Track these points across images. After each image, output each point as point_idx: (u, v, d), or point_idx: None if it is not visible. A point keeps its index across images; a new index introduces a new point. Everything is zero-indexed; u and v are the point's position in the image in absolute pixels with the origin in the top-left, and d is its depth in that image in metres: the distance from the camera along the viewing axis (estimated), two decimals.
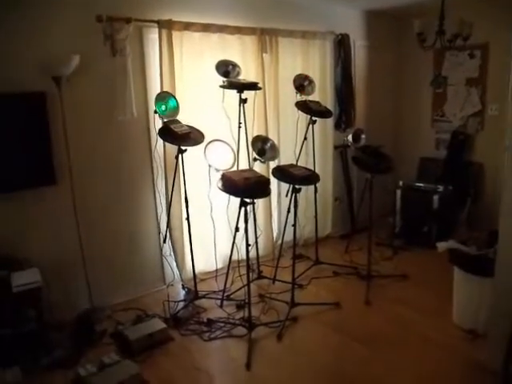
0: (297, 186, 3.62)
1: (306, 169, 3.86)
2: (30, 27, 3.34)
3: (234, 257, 4.29)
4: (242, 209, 3.32)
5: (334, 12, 5.33)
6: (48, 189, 3.52)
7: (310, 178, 3.75)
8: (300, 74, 4.58)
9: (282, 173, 3.69)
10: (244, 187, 3.19)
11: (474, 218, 5.32)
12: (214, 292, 4.16)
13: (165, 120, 3.71)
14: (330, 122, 5.31)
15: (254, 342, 3.38)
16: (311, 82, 4.56)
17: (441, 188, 5.30)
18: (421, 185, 5.54)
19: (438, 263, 4.00)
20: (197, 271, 4.14)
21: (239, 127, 4.17)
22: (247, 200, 3.30)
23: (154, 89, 3.95)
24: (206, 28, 4.16)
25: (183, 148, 3.72)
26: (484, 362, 3.01)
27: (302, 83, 4.51)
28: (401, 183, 5.65)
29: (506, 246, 2.87)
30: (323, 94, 5.21)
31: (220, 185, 3.32)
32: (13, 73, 3.28)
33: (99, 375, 2.88)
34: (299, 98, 4.49)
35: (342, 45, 5.34)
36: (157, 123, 3.84)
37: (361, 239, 5.01)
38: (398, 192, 5.59)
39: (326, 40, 5.22)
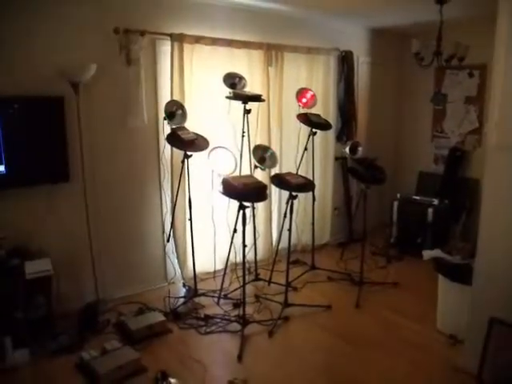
0: (293, 193, 3.85)
1: (302, 177, 4.09)
2: (53, 37, 3.62)
3: (233, 259, 4.55)
4: (241, 212, 3.56)
5: (339, 29, 5.59)
6: (62, 186, 3.76)
7: (306, 186, 3.99)
8: (302, 88, 4.82)
9: (279, 180, 3.93)
10: (242, 191, 3.43)
11: (469, 231, 5.48)
12: (213, 291, 4.39)
13: (173, 127, 3.97)
14: (331, 134, 5.55)
15: (246, 337, 3.61)
16: (313, 95, 4.79)
17: (436, 201, 5.52)
18: (417, 198, 5.76)
19: (429, 273, 4.17)
20: (197, 271, 4.36)
21: (243, 136, 4.41)
22: (245, 203, 3.54)
23: (165, 97, 4.21)
24: (216, 42, 4.42)
25: (189, 153, 3.97)
26: (462, 366, 3.20)
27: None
28: (398, 195, 5.86)
29: (483, 257, 3.08)
30: (326, 107, 5.46)
31: (221, 188, 3.57)
32: (35, 78, 3.55)
33: (101, 359, 3.11)
34: (302, 110, 4.74)
35: (345, 61, 5.58)
36: (165, 129, 4.10)
37: (357, 248, 5.17)
38: (395, 204, 5.80)
39: (330, 56, 5.48)
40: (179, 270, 4.55)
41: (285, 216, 4.33)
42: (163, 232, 4.49)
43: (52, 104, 3.63)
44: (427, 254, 3.75)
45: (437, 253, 3.70)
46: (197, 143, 3.95)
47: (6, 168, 3.47)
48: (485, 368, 2.96)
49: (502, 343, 2.82)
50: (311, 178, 4.62)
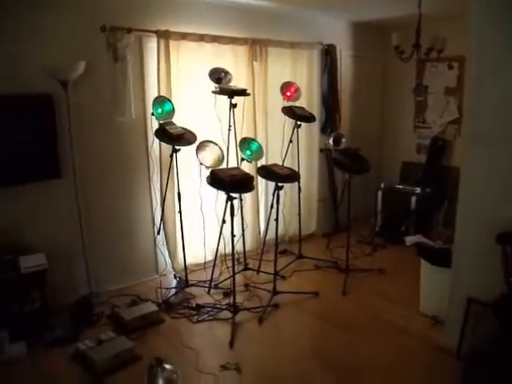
0: (279, 184, 3.97)
1: (288, 168, 4.21)
2: (42, 35, 3.67)
3: (222, 250, 4.67)
4: (229, 203, 3.67)
5: (322, 24, 5.69)
6: (53, 182, 3.84)
7: (292, 176, 4.11)
8: (286, 82, 4.92)
9: (265, 171, 4.05)
10: (230, 183, 3.54)
11: (451, 218, 5.62)
12: (203, 281, 4.50)
13: (161, 122, 4.05)
14: (316, 126, 5.67)
15: (237, 324, 3.74)
16: (297, 89, 4.91)
17: (418, 190, 5.67)
18: (400, 187, 5.92)
19: (412, 259, 4.33)
20: (187, 262, 4.47)
21: (229, 130, 4.51)
22: (233, 195, 3.65)
23: (152, 93, 4.28)
24: (201, 38, 4.49)
25: (177, 147, 4.07)
26: (443, 344, 3.36)
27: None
28: (382, 185, 6.01)
29: (461, 240, 3.24)
30: (310, 100, 5.58)
31: (209, 181, 3.67)
32: (24, 76, 3.61)
33: (97, 349, 3.21)
34: (286, 103, 4.85)
35: (328, 54, 5.69)
36: (153, 125, 4.18)
37: (343, 237, 5.29)
38: (380, 193, 5.95)
39: (313, 50, 5.59)
40: (170, 262, 4.65)
41: (271, 207, 4.45)
42: (153, 225, 4.58)
43: (41, 101, 3.68)
44: (409, 239, 3.91)
45: (418, 238, 3.85)
46: (185, 137, 4.04)
47: None
48: (463, 344, 3.13)
49: (479, 321, 2.98)
50: (297, 170, 4.73)
